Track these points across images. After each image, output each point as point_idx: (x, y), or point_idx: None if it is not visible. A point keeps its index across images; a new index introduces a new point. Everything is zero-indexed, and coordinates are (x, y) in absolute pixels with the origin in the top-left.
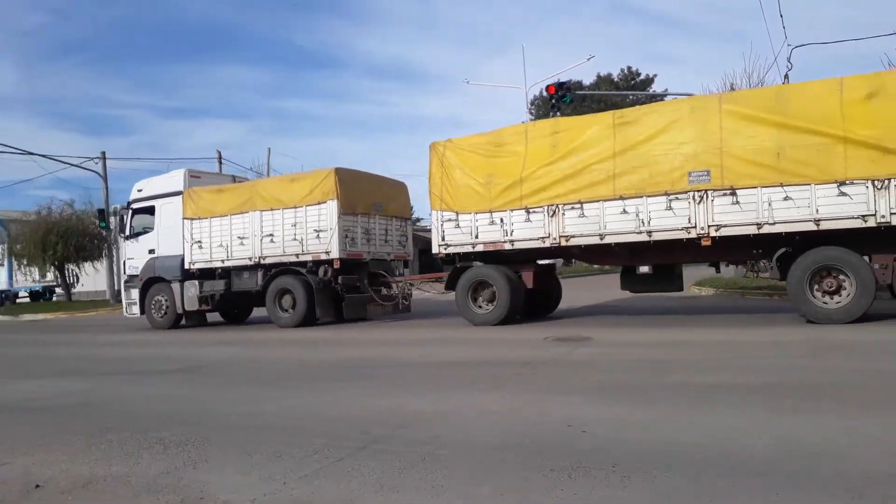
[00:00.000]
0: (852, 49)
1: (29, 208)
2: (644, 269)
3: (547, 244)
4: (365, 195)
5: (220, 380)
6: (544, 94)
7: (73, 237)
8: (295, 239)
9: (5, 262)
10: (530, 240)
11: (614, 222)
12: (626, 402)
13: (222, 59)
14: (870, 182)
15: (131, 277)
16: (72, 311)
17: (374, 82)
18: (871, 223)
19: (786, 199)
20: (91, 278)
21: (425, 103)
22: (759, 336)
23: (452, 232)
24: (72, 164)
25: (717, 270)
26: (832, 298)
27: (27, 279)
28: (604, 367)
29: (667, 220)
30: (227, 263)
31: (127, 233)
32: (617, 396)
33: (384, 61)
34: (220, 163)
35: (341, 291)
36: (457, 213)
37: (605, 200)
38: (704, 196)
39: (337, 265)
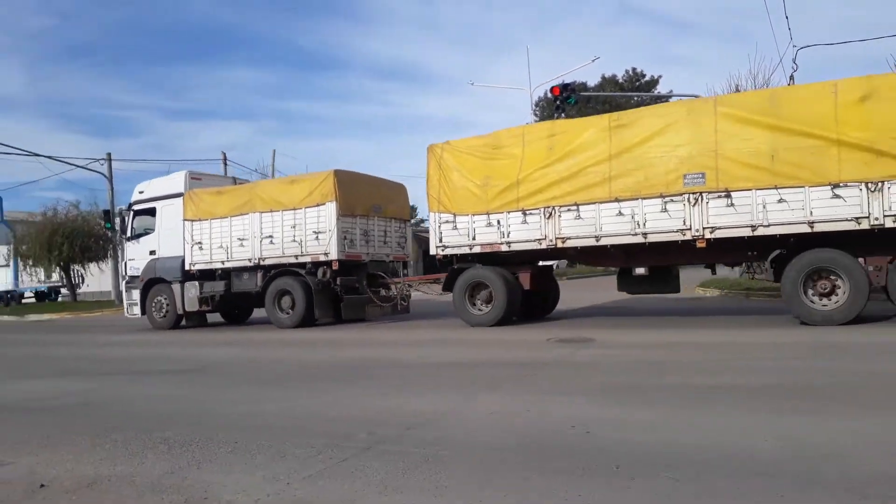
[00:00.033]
0: (857, 50)
1: (35, 209)
2: (640, 270)
3: (543, 246)
4: (364, 197)
5: (221, 380)
6: (549, 95)
7: (79, 238)
8: (294, 240)
9: (11, 263)
10: (527, 241)
11: (610, 224)
12: (628, 403)
13: (227, 60)
14: (863, 184)
15: (132, 278)
16: (77, 312)
17: (379, 83)
18: (865, 225)
19: (780, 201)
20: (96, 279)
21: (429, 104)
22: (758, 337)
23: (450, 233)
24: (77, 166)
25: (713, 272)
26: (826, 300)
27: (33, 280)
28: (605, 369)
29: (662, 221)
30: (227, 264)
31: (128, 234)
32: (618, 397)
33: (388, 62)
34: (226, 164)
35: (340, 292)
36: (454, 215)
37: (601, 202)
38: (699, 198)
39: (336, 266)
